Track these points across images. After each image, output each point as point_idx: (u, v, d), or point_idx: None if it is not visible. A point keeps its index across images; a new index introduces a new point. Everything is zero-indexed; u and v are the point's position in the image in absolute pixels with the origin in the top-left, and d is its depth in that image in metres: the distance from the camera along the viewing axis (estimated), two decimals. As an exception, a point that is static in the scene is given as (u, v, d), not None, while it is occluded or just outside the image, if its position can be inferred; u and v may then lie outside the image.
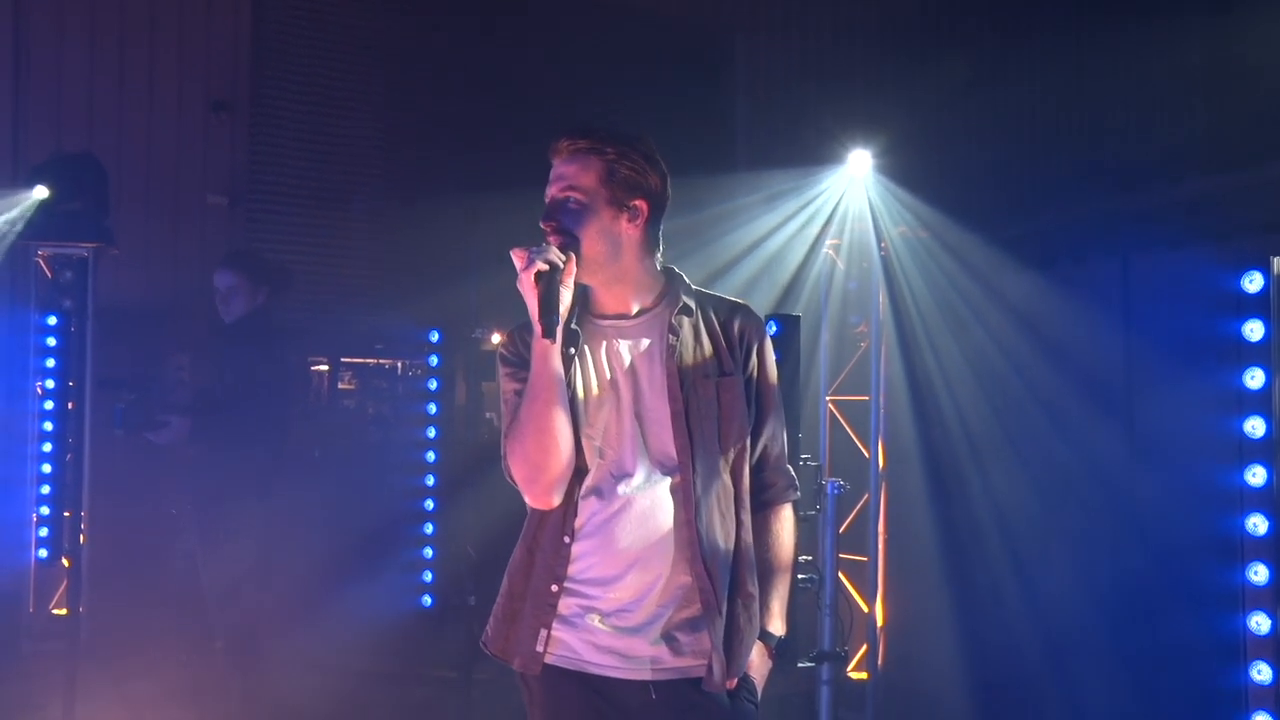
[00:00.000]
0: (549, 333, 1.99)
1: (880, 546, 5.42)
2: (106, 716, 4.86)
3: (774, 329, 4.23)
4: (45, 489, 5.51)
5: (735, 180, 6.28)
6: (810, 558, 4.32)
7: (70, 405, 4.91)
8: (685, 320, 2.16)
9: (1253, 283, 3.53)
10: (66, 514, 4.93)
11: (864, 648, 5.42)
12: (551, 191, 2.13)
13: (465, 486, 5.74)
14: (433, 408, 6.24)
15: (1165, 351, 4.71)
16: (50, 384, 5.51)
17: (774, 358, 2.25)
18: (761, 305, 5.37)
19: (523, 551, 2.16)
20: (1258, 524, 3.48)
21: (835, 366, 5.64)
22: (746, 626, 2.13)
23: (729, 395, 2.13)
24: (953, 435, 5.56)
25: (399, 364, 6.79)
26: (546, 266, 2.00)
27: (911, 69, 7.94)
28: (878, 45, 8.60)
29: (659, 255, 2.21)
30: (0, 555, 5.77)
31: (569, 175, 2.11)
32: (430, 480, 6.23)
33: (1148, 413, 4.90)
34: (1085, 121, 6.80)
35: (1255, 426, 3.50)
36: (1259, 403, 3.49)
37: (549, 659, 2.09)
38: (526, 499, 2.12)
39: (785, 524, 2.26)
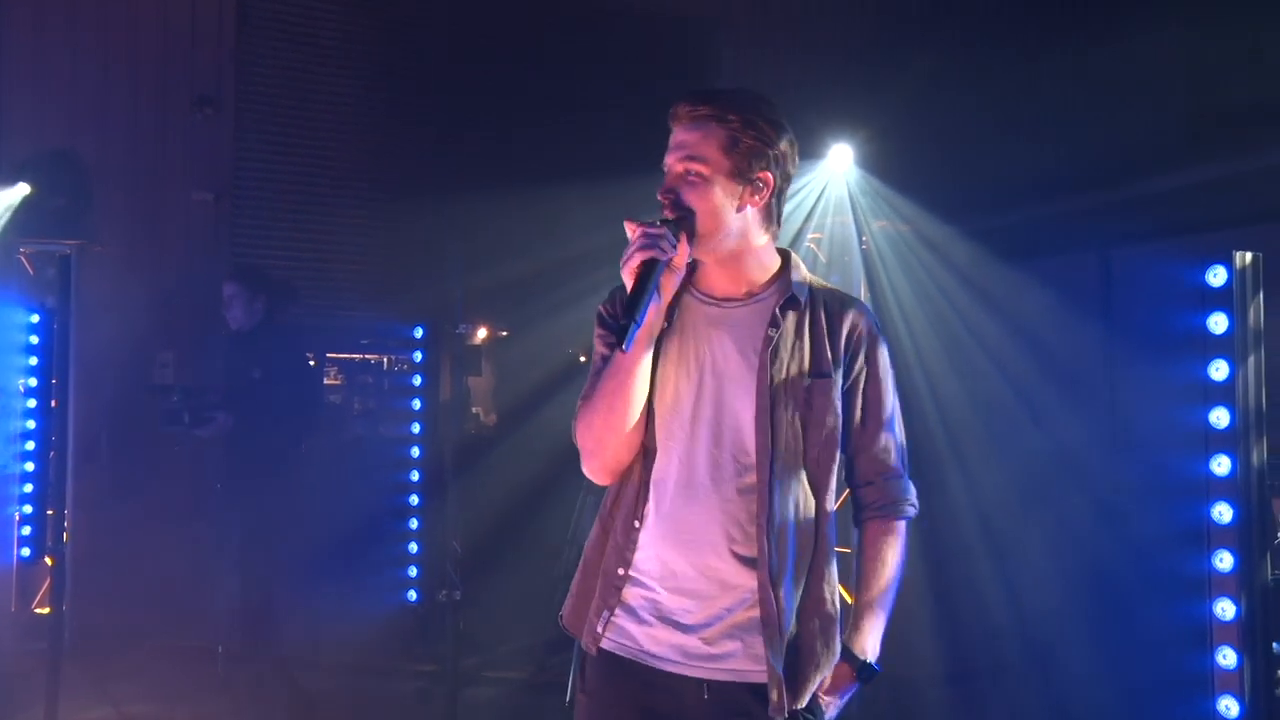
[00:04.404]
0: (622, 337, 1.83)
1: (862, 538, 5.46)
2: (89, 716, 4.86)
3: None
4: (28, 487, 5.51)
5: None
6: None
7: (53, 403, 4.93)
8: (791, 313, 1.99)
9: (1216, 277, 3.61)
10: (49, 512, 4.94)
11: (846, 638, 5.46)
12: (669, 160, 1.98)
13: (450, 482, 5.76)
14: (418, 403, 6.27)
15: (1143, 345, 4.76)
16: (33, 382, 5.50)
17: (889, 362, 2.08)
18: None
19: (599, 530, 2.08)
20: (1223, 512, 3.57)
21: (817, 360, 5.67)
22: (822, 651, 2.00)
23: (822, 399, 1.97)
24: (932, 427, 5.60)
25: (385, 359, 6.79)
26: (649, 256, 1.86)
27: (892, 63, 7.97)
28: (859, 39, 8.63)
29: (776, 234, 2.06)
30: (-16, 554, 5.78)
31: (690, 144, 1.95)
32: (415, 475, 6.25)
33: (1127, 405, 4.94)
34: (1064, 115, 6.85)
35: (1220, 417, 3.59)
36: (1223, 394, 3.57)
37: (608, 644, 2.00)
38: (584, 470, 2.03)
39: (892, 541, 2.12)
